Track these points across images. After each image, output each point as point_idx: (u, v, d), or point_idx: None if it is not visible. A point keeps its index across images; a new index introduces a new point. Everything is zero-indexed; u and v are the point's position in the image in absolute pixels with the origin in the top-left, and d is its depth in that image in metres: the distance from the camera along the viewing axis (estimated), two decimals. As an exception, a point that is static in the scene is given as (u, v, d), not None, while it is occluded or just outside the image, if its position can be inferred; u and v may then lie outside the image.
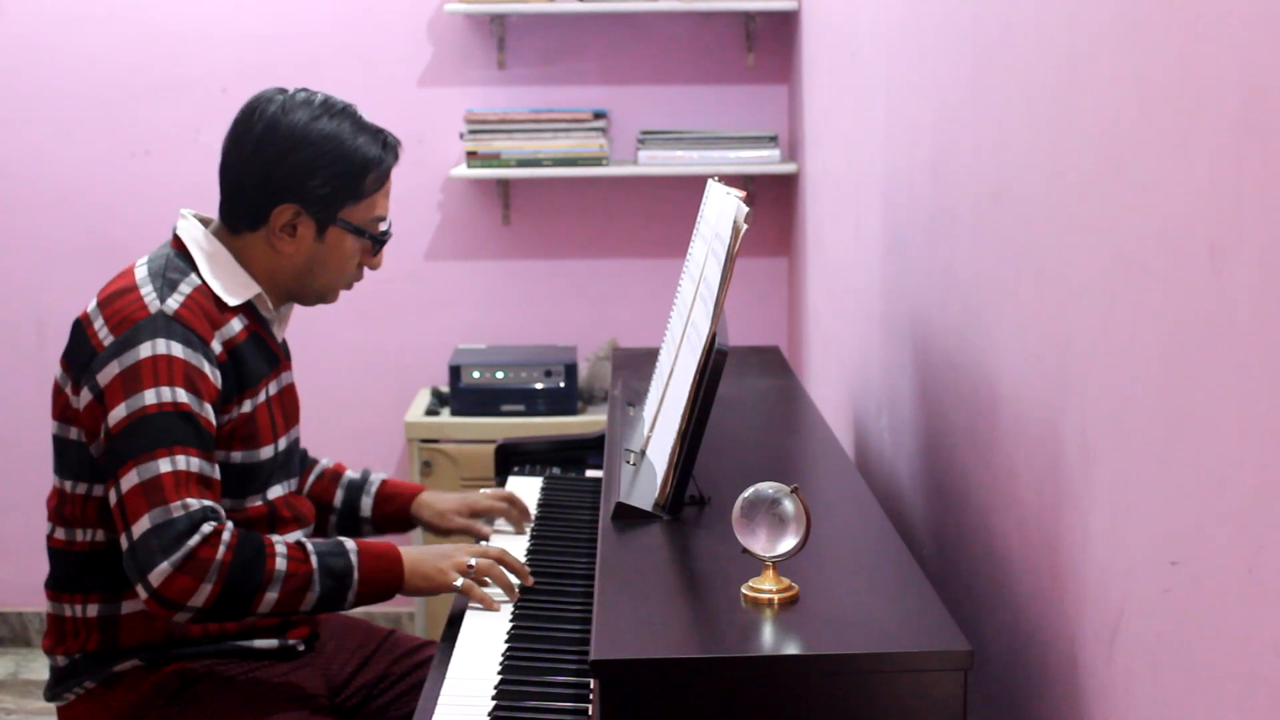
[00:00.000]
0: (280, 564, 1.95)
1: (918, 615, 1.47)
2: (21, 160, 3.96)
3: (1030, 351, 1.59)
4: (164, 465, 1.91)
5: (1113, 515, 1.33)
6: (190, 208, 2.15)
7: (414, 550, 2.06)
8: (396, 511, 2.38)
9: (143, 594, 1.91)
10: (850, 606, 1.52)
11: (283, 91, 2.10)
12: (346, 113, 2.11)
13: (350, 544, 2.03)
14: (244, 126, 2.08)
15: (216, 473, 1.99)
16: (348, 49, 3.91)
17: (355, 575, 2.00)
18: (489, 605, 1.99)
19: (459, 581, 2.02)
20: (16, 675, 3.92)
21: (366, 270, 2.20)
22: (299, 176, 2.05)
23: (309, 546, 2.00)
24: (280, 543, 1.98)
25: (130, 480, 1.91)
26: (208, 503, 1.94)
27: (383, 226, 2.16)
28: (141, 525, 1.90)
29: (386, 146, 2.12)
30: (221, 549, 1.91)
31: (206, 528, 1.91)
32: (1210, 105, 1.11)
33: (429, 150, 3.96)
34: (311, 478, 2.37)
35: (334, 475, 2.39)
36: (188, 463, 1.93)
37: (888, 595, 1.56)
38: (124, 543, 1.92)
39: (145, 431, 1.92)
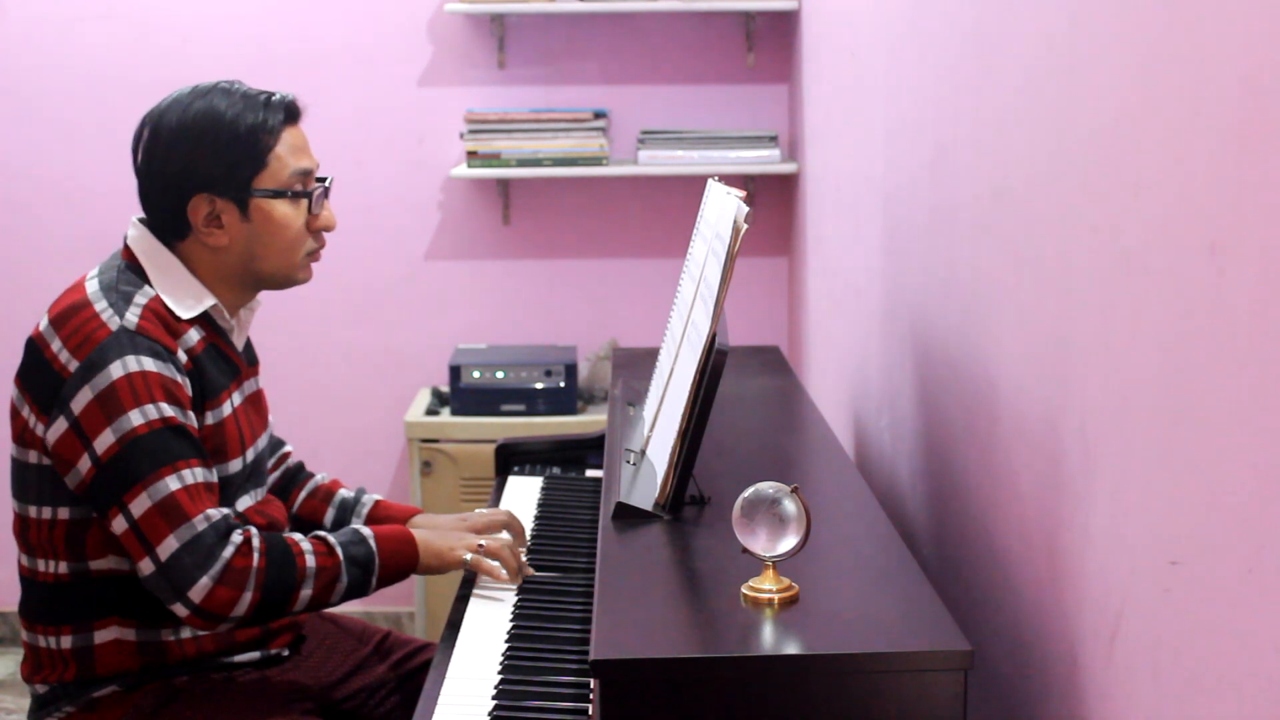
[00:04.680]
0: (310, 561, 1.96)
1: (918, 615, 1.47)
2: (21, 160, 3.97)
3: (1030, 351, 1.59)
4: (173, 483, 1.90)
5: (1113, 515, 1.33)
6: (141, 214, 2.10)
7: (425, 531, 2.10)
8: None
9: (183, 611, 1.90)
10: (850, 606, 1.52)
11: (163, 99, 2.07)
12: (217, 89, 2.05)
13: (367, 531, 2.05)
14: (135, 145, 2.06)
15: (216, 477, 1.99)
16: (348, 49, 3.91)
17: (377, 560, 2.02)
18: (497, 576, 2.04)
19: (468, 556, 2.06)
20: (16, 675, 3.92)
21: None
22: (191, 165, 2.01)
23: (331, 539, 2.01)
24: (304, 540, 1.99)
25: (142, 504, 1.89)
26: (225, 510, 1.94)
27: (313, 183, 2.08)
28: (168, 546, 1.88)
29: (269, 105, 2.04)
30: (255, 556, 1.92)
31: (236, 537, 1.91)
32: (1210, 104, 1.11)
33: (429, 150, 3.96)
34: (303, 494, 2.33)
35: (326, 494, 2.33)
36: (193, 475, 1.92)
37: (888, 595, 1.56)
38: (148, 567, 1.90)
39: (142, 453, 1.90)
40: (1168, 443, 1.20)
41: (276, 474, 2.33)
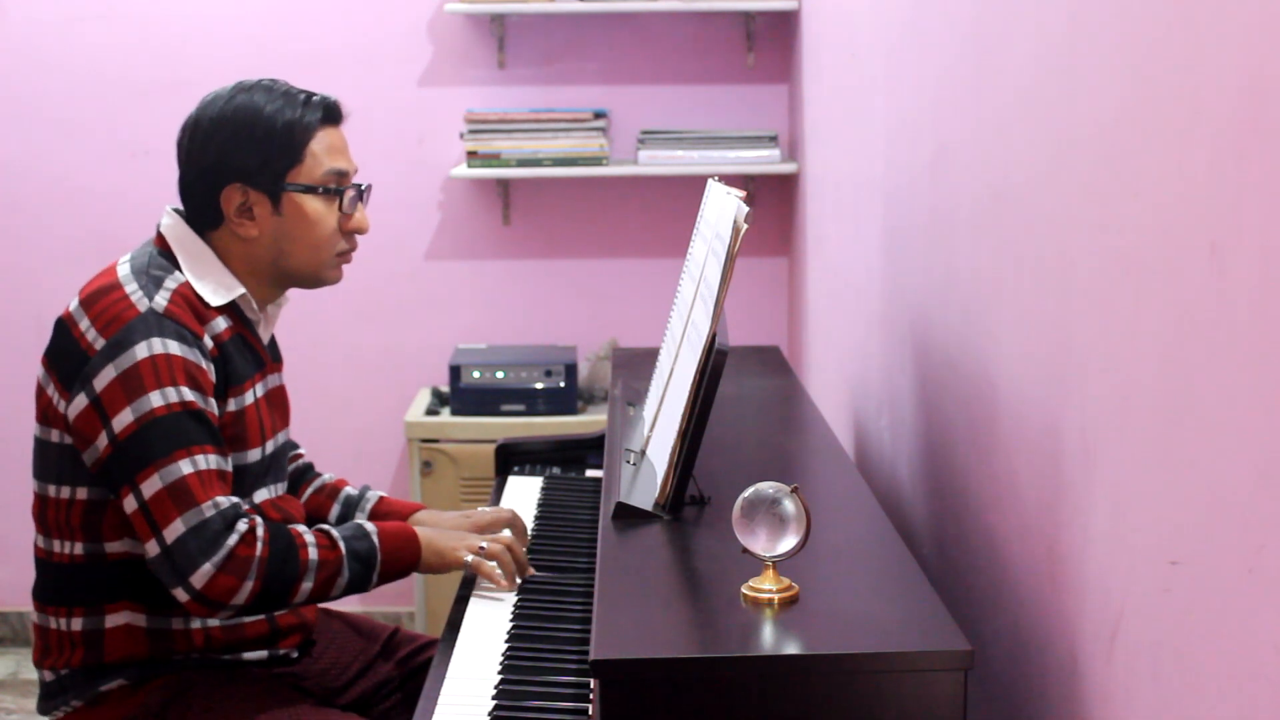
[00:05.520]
0: (312, 553, 1.97)
1: (918, 615, 1.47)
2: (21, 160, 3.97)
3: (1030, 351, 1.59)
4: (185, 467, 1.91)
5: (1113, 515, 1.33)
6: (176, 204, 2.12)
7: (428, 530, 2.11)
8: None
9: (184, 596, 1.91)
10: (850, 606, 1.52)
11: (210, 91, 2.09)
12: (260, 85, 2.09)
13: (370, 526, 2.05)
14: (180, 136, 2.10)
15: (230, 466, 2.00)
16: (348, 49, 3.91)
17: (379, 556, 2.02)
18: (496, 582, 2.04)
19: (469, 558, 2.06)
20: (16, 675, 3.92)
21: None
22: (227, 156, 2.04)
23: (334, 533, 2.02)
24: (307, 532, 2.00)
25: (153, 485, 1.90)
26: (235, 499, 1.94)
27: (348, 184, 2.12)
28: (175, 530, 1.89)
29: (309, 104, 2.09)
30: (259, 546, 1.92)
31: (242, 525, 1.92)
32: (1210, 104, 1.11)
33: (429, 150, 3.96)
34: (309, 491, 2.34)
35: (333, 491, 2.35)
36: (207, 461, 1.93)
37: (888, 595, 1.56)
38: (154, 549, 1.91)
39: (159, 435, 1.91)
40: (1168, 443, 1.20)
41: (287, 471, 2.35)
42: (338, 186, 2.10)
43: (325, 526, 2.04)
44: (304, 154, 2.07)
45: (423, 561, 2.07)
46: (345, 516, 2.32)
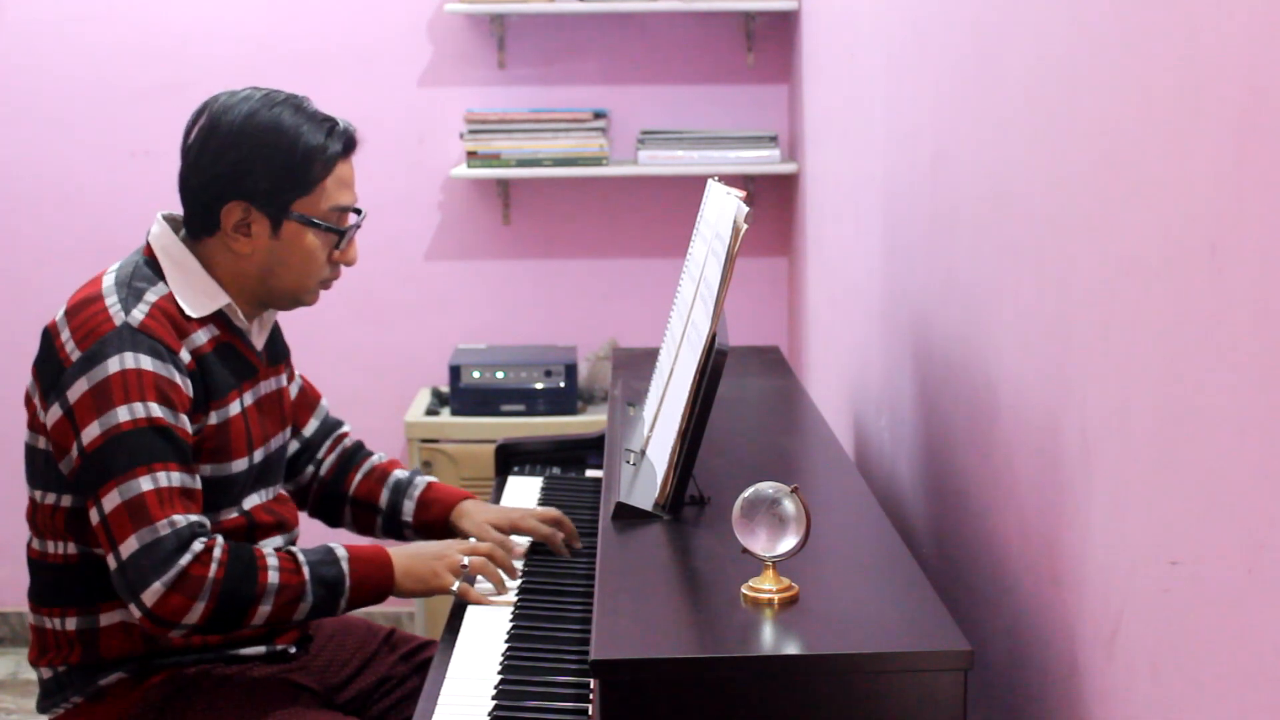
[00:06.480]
0: (273, 577, 1.95)
1: (918, 615, 1.47)
2: (21, 160, 3.97)
3: (1030, 352, 1.59)
4: (145, 484, 1.90)
5: (1113, 515, 1.33)
6: (170, 210, 2.11)
7: (404, 552, 2.07)
8: (437, 517, 2.29)
9: (136, 613, 1.91)
10: (850, 606, 1.52)
11: (232, 93, 2.05)
12: (288, 103, 2.04)
13: (341, 550, 2.03)
14: (190, 131, 2.05)
15: (198, 483, 1.98)
16: (348, 49, 3.91)
17: (347, 583, 2.00)
18: (486, 602, 2.02)
19: (455, 585, 2.04)
20: (16, 675, 3.92)
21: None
22: (240, 171, 2.00)
23: (300, 557, 1.99)
24: (272, 554, 1.97)
25: (112, 500, 1.90)
26: (194, 517, 1.93)
27: (350, 219, 2.09)
28: (129, 546, 1.89)
29: (333, 133, 2.05)
30: (213, 566, 1.91)
31: (197, 545, 1.91)
32: (1211, 105, 1.11)
33: (429, 150, 3.96)
34: (359, 475, 2.33)
35: (382, 475, 2.33)
36: (169, 478, 1.92)
37: (888, 595, 1.56)
38: (112, 563, 1.91)
39: (122, 450, 1.90)
40: (1168, 443, 1.20)
41: (333, 455, 2.34)
42: (337, 224, 2.08)
43: (293, 549, 2.01)
44: (316, 187, 2.04)
45: (398, 586, 2.04)
46: (394, 502, 2.30)
